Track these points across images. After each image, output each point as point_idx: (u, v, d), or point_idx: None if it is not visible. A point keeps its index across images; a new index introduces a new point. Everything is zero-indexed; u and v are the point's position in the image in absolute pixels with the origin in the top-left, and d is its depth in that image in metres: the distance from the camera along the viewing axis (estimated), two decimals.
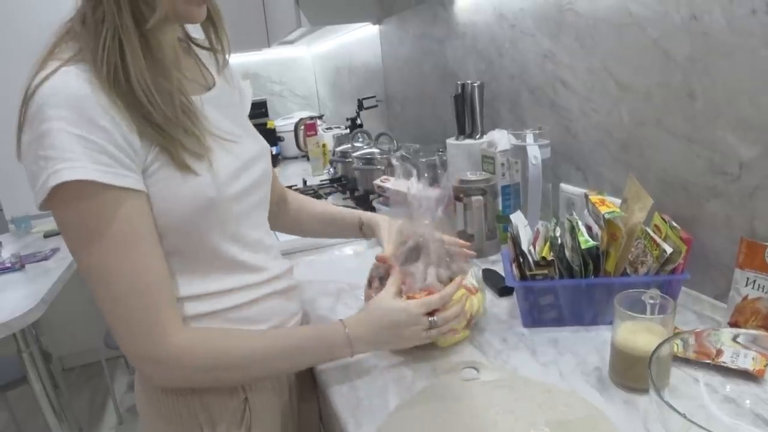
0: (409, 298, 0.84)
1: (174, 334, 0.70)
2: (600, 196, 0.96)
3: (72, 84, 0.63)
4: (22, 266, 2.05)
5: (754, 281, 0.78)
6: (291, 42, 3.01)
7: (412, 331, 0.81)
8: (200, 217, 0.74)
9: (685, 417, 0.52)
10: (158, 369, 0.71)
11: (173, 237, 0.73)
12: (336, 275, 1.24)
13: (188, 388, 0.79)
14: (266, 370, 0.79)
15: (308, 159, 2.70)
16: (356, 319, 0.82)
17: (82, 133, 0.62)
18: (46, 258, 2.13)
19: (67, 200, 0.63)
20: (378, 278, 0.95)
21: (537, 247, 0.93)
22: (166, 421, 0.80)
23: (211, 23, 0.82)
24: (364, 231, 1.10)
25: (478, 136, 1.41)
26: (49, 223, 2.65)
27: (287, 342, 0.79)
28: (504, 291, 1.04)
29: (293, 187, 2.14)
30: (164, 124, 0.69)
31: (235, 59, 0.86)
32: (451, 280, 0.93)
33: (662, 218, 0.90)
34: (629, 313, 0.72)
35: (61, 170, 0.61)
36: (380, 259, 0.92)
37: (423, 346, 0.85)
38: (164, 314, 0.69)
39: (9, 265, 2.04)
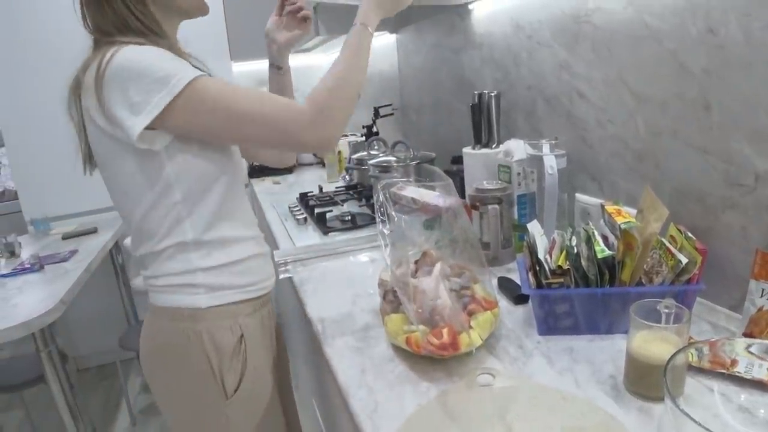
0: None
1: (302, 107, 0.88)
2: (616, 207, 0.97)
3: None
4: (41, 267, 2.09)
5: None
6: (308, 50, 3.04)
7: None
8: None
9: (700, 425, 0.53)
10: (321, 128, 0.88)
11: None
12: (352, 282, 1.26)
13: (193, 323, 0.95)
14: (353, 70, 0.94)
15: (324, 166, 2.73)
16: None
17: (162, 55, 0.84)
18: (64, 259, 2.17)
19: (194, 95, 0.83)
20: (391, 292, 0.96)
21: (553, 256, 0.93)
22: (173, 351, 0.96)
23: None
24: (276, 64, 1.37)
25: (494, 146, 1.42)
26: (68, 225, 2.70)
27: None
28: (520, 299, 1.05)
29: (309, 194, 2.17)
30: None
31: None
32: (463, 289, 0.94)
33: (678, 229, 0.91)
34: (644, 322, 0.73)
35: (184, 77, 0.82)
36: None
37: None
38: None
39: (28, 266, 2.08)
